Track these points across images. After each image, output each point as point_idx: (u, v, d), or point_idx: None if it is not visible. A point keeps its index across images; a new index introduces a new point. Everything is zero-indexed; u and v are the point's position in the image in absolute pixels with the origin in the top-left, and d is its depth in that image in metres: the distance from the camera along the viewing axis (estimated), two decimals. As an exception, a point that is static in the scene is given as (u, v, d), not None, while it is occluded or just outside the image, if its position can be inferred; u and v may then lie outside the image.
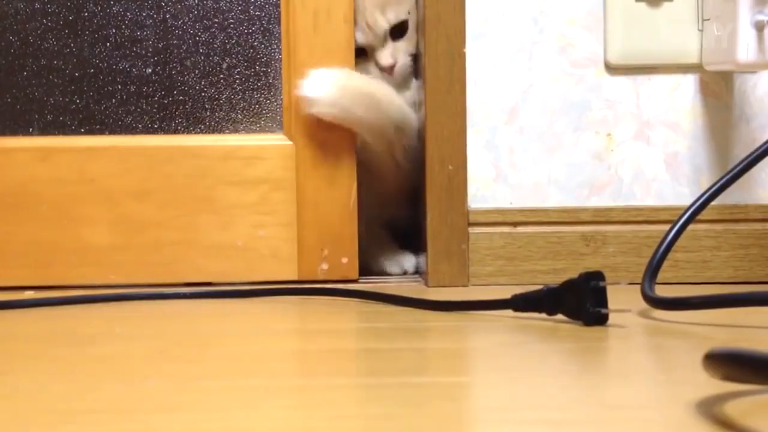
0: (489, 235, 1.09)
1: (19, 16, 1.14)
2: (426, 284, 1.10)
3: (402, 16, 1.14)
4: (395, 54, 1.13)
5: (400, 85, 1.14)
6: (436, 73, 1.08)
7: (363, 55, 1.14)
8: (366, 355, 0.75)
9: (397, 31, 1.14)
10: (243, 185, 1.13)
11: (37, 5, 1.14)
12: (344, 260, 1.13)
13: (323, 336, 0.84)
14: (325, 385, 0.64)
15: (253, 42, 1.15)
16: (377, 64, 1.13)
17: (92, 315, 0.95)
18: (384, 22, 1.13)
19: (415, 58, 1.15)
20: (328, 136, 1.12)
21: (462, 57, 1.09)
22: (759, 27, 0.99)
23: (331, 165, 1.13)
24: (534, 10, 1.10)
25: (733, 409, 0.54)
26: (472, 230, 1.09)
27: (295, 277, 1.13)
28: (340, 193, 1.13)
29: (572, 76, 1.10)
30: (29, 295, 1.07)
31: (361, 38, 1.13)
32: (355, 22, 1.12)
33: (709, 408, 0.54)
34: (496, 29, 1.10)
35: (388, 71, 1.13)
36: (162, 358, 0.73)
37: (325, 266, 1.13)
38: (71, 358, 0.74)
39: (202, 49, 1.15)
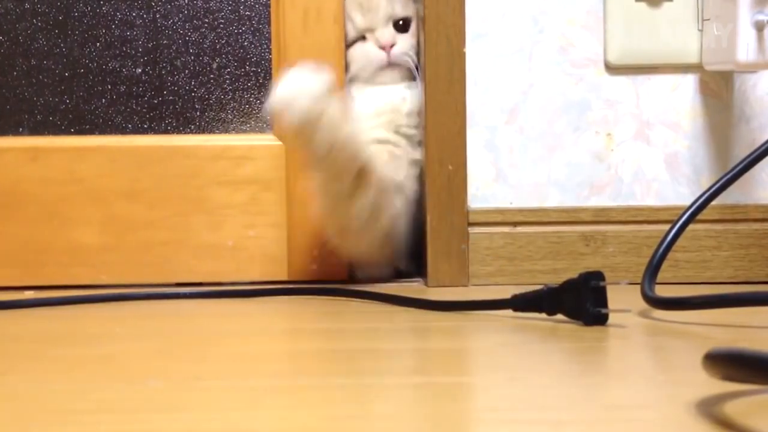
0: (489, 235, 1.09)
1: (8, 16, 1.14)
2: (426, 284, 1.10)
3: (408, 13, 1.13)
4: (395, 37, 1.12)
5: (404, 77, 1.14)
6: (436, 73, 1.08)
7: (361, 40, 1.13)
8: (365, 355, 0.75)
9: (401, 25, 1.13)
10: (233, 185, 1.13)
11: (26, 5, 1.14)
12: (334, 260, 1.13)
13: (322, 336, 0.84)
14: (324, 385, 0.64)
15: (243, 42, 1.15)
16: (377, 42, 1.11)
17: (92, 315, 0.95)
18: (388, 6, 1.12)
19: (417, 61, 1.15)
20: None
21: (462, 57, 1.09)
22: (759, 27, 1.00)
23: None
24: (534, 10, 1.10)
25: (733, 409, 0.54)
26: (472, 230, 1.09)
27: (285, 278, 1.13)
28: (330, 194, 1.13)
29: (572, 76, 1.10)
30: (29, 295, 1.07)
31: (361, 22, 1.11)
32: (353, 7, 1.11)
33: (709, 408, 0.54)
34: (496, 29, 1.10)
35: (387, 49, 1.11)
36: (161, 358, 0.73)
37: (315, 266, 1.13)
38: (71, 358, 0.74)
39: (192, 49, 1.15)
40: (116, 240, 1.12)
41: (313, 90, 0.96)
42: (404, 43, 1.12)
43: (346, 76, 1.13)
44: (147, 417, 0.55)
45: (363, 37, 1.12)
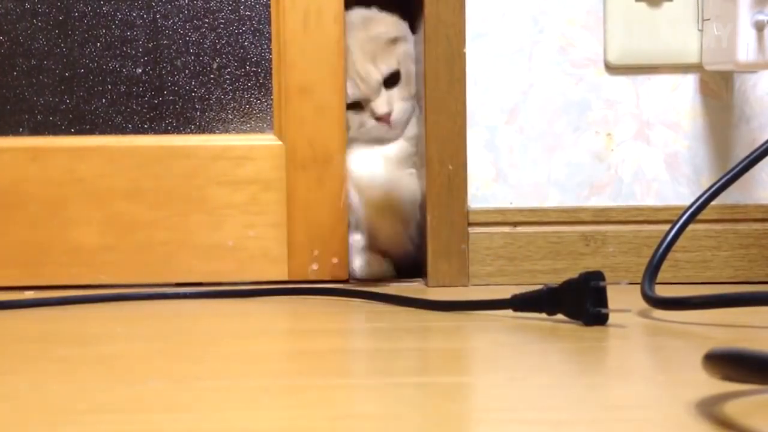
0: (489, 235, 1.09)
1: (9, 16, 1.14)
2: (426, 284, 1.10)
3: (393, 66, 1.13)
4: (390, 102, 1.13)
5: (401, 132, 1.15)
6: (436, 73, 1.08)
7: (356, 108, 1.13)
8: (366, 355, 0.75)
9: (390, 81, 1.13)
10: (233, 185, 1.13)
11: (27, 5, 1.14)
12: (334, 260, 1.13)
13: (322, 336, 0.84)
14: (324, 385, 0.64)
15: (244, 42, 1.15)
16: (373, 114, 1.12)
17: (92, 315, 0.95)
18: (377, 73, 1.12)
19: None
20: (318, 136, 1.12)
21: (462, 57, 1.09)
22: (759, 27, 0.99)
23: (321, 165, 1.13)
24: (534, 10, 1.10)
25: (733, 409, 0.54)
26: (472, 230, 1.09)
27: (285, 278, 1.13)
28: (330, 194, 1.13)
29: (572, 76, 1.10)
30: (29, 295, 1.07)
31: (355, 92, 1.12)
32: (348, 76, 1.12)
33: (709, 408, 0.54)
34: (496, 29, 1.10)
35: (384, 120, 1.12)
36: (162, 358, 0.73)
37: (315, 266, 1.13)
38: (71, 358, 0.74)
39: (193, 49, 1.15)
40: (116, 240, 1.12)
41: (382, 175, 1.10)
42: (399, 106, 1.13)
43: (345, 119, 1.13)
44: (147, 417, 0.55)
45: (359, 104, 1.13)
